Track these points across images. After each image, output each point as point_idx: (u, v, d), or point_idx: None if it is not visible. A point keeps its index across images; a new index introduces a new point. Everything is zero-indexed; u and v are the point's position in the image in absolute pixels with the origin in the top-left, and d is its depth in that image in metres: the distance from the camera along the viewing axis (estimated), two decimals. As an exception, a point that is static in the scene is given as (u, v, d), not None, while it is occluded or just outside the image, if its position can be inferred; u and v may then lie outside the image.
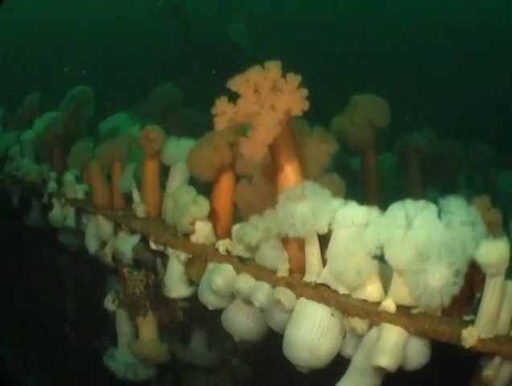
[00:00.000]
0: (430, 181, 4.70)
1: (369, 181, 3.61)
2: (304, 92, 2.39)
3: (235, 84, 2.46)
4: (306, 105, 2.37)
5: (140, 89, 5.20)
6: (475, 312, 2.16)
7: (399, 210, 2.25)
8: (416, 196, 4.05)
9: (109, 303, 3.21)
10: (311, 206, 2.32)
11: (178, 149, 3.10)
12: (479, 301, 2.14)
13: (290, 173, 2.46)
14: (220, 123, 2.43)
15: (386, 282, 2.32)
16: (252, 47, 9.15)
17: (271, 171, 2.59)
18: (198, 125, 4.88)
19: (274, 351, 2.59)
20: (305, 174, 2.59)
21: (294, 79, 2.42)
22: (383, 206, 3.70)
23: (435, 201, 4.24)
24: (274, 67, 2.47)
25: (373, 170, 3.59)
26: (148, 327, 3.03)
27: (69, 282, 4.31)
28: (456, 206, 2.22)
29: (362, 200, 3.63)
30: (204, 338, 3.32)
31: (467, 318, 2.20)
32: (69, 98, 4.34)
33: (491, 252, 2.01)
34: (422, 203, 2.26)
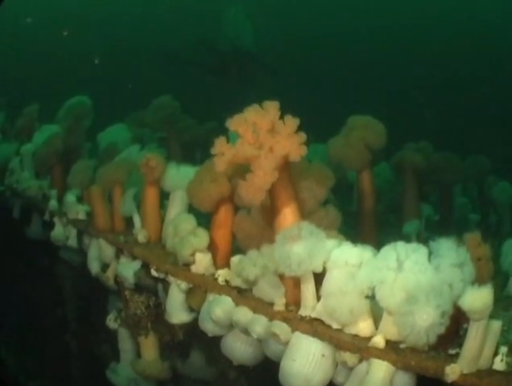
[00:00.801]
0: (426, 194, 4.81)
1: (364, 201, 3.71)
2: (302, 136, 2.48)
3: (233, 124, 2.53)
4: (304, 151, 2.46)
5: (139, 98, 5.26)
6: (460, 344, 2.31)
7: (391, 252, 2.37)
8: (411, 212, 4.22)
9: (111, 322, 3.34)
10: (307, 247, 2.43)
11: (177, 177, 3.18)
12: (465, 332, 2.29)
13: (287, 213, 2.57)
14: (220, 164, 2.52)
15: (377, 317, 2.46)
16: (252, 33, 9.01)
17: (269, 204, 2.70)
18: (195, 136, 4.98)
19: (271, 365, 2.74)
20: (302, 209, 2.72)
21: (292, 122, 2.51)
22: (378, 225, 3.83)
23: (429, 217, 4.36)
24: (272, 108, 2.54)
25: (368, 190, 3.68)
26: (150, 347, 3.18)
27: (70, 291, 4.42)
28: (445, 248, 2.34)
29: (358, 220, 3.79)
30: (202, 353, 3.47)
31: (452, 351, 2.35)
32: (67, 110, 4.37)
33: (475, 300, 2.15)
34: (413, 245, 2.39)
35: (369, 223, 3.67)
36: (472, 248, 2.56)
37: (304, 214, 2.73)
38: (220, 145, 2.52)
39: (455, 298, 2.24)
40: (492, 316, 2.27)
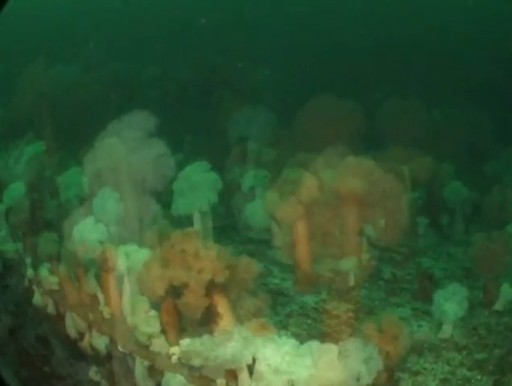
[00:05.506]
0: (370, 213, 5.01)
1: (297, 249, 4.04)
2: (224, 260, 2.80)
3: (164, 251, 2.86)
4: (226, 274, 2.80)
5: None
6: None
7: (306, 352, 2.80)
8: (352, 236, 4.47)
9: (94, 375, 3.82)
10: (240, 347, 2.84)
11: (128, 261, 3.49)
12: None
13: (224, 318, 2.94)
14: (158, 289, 2.87)
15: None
16: None
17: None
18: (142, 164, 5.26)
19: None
20: (234, 300, 3.10)
21: (213, 249, 2.82)
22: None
23: (370, 238, 4.59)
24: (194, 235, 2.85)
25: (302, 240, 3.98)
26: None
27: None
28: (353, 349, 2.77)
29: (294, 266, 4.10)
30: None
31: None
32: (27, 164, 4.56)
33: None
34: (326, 345, 2.80)
35: (304, 270, 4.03)
36: (389, 327, 3.01)
37: (236, 305, 3.13)
38: (156, 269, 2.85)
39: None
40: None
